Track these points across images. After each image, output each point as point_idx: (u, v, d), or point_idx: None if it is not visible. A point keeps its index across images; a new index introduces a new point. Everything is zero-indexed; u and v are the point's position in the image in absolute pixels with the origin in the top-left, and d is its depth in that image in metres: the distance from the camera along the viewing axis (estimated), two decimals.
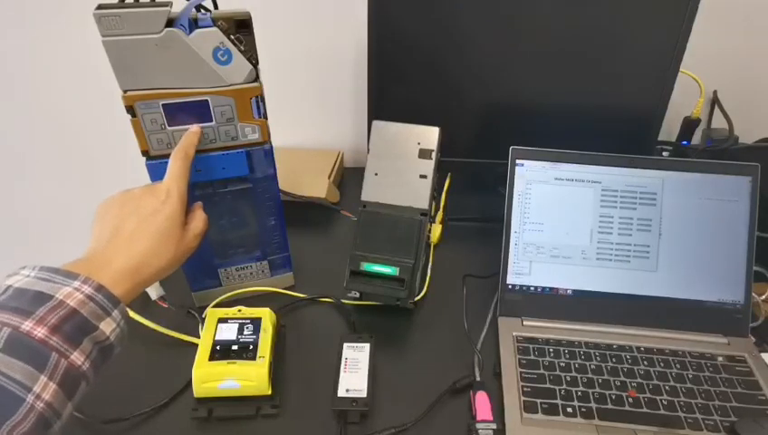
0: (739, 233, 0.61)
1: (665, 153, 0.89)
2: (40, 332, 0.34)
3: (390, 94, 0.76)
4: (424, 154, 0.64)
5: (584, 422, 0.52)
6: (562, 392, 0.54)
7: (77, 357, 0.35)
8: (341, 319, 0.65)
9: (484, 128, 0.78)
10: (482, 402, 0.53)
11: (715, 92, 0.90)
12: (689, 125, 0.89)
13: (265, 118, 0.55)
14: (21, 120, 0.97)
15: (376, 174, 0.65)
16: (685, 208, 0.62)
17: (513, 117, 0.76)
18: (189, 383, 0.53)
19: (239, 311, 0.58)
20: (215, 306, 0.63)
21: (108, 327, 0.38)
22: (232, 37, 0.49)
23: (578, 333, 0.61)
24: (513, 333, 0.61)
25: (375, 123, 0.66)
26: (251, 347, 0.54)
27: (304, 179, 0.83)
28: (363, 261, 0.61)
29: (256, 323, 0.57)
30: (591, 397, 0.54)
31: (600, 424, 0.51)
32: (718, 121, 0.90)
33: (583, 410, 0.53)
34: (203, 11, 0.50)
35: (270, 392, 0.54)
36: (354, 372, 0.55)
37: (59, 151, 1.00)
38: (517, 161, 0.64)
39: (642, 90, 0.73)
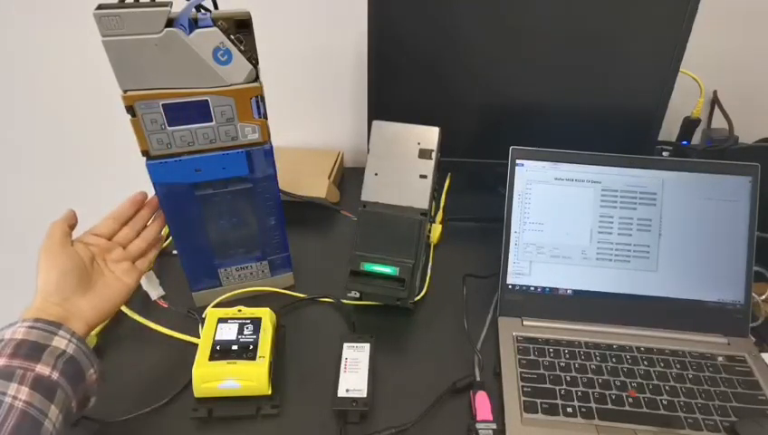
0: (739, 233, 0.61)
1: (665, 153, 0.89)
2: (0, 362, 0.41)
3: (390, 94, 0.76)
4: (424, 154, 0.64)
5: (584, 422, 0.52)
6: (562, 392, 0.54)
7: (42, 368, 0.42)
8: (341, 319, 0.65)
9: (484, 128, 0.78)
10: (482, 402, 0.53)
11: (715, 92, 0.90)
12: (689, 125, 0.89)
13: (265, 118, 0.55)
14: (21, 119, 0.97)
15: (376, 174, 0.65)
16: (685, 208, 0.62)
17: (513, 117, 0.76)
18: (189, 383, 0.53)
19: (239, 311, 0.58)
20: (215, 306, 0.63)
21: (61, 342, 0.44)
22: (232, 37, 0.49)
23: (578, 333, 0.61)
24: (513, 333, 0.61)
25: (375, 123, 0.66)
26: (251, 347, 0.54)
27: (304, 179, 0.83)
28: (363, 261, 0.61)
29: (256, 323, 0.57)
30: (591, 397, 0.54)
31: (600, 424, 0.51)
32: (718, 121, 0.90)
33: (583, 410, 0.53)
34: (203, 11, 0.50)
35: (270, 392, 0.54)
36: (354, 372, 0.55)
37: (59, 151, 1.00)
38: (517, 161, 0.64)
39: (642, 90, 0.73)
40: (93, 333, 0.60)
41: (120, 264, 0.54)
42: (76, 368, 0.44)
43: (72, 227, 0.53)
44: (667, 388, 0.55)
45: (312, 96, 0.94)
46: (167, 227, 0.60)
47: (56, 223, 0.52)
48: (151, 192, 0.57)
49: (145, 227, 0.59)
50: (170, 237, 0.73)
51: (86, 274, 0.50)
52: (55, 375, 0.42)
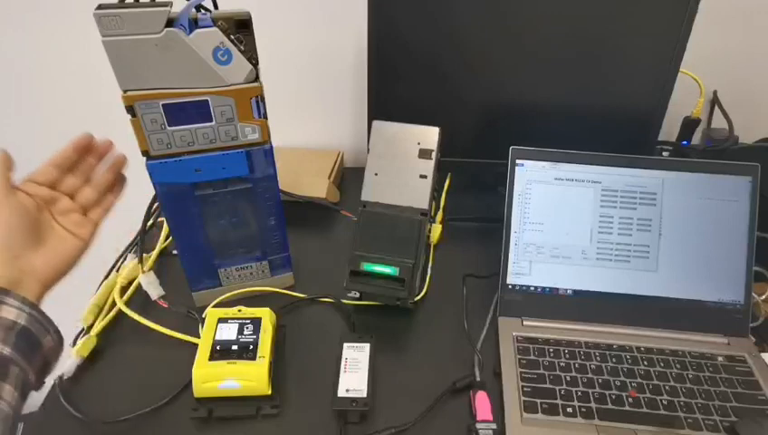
0: (739, 233, 0.61)
1: (665, 153, 0.89)
2: None
3: (390, 94, 0.76)
4: (424, 154, 0.64)
5: (584, 422, 0.52)
6: (562, 392, 0.54)
7: None
8: (341, 319, 0.65)
9: (484, 128, 0.78)
10: (482, 402, 0.53)
11: (715, 92, 0.90)
12: (689, 125, 0.89)
13: (265, 118, 0.54)
14: (20, 119, 0.97)
15: (376, 174, 0.65)
16: (685, 208, 0.62)
17: (513, 117, 0.76)
18: (189, 383, 0.53)
19: (239, 311, 0.58)
20: (215, 306, 0.63)
21: (10, 312, 0.40)
22: (232, 37, 0.49)
23: (578, 333, 0.61)
24: (513, 333, 0.61)
25: (375, 123, 0.66)
26: (251, 347, 0.54)
27: (304, 179, 0.83)
28: (363, 261, 0.61)
29: (256, 323, 0.57)
30: (591, 397, 0.54)
31: (600, 424, 0.51)
32: (718, 121, 0.90)
33: (583, 410, 0.53)
34: (203, 11, 0.50)
35: (270, 392, 0.54)
36: (354, 372, 0.55)
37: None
38: (517, 161, 0.64)
39: (642, 90, 0.73)
40: (93, 332, 0.60)
41: (68, 215, 0.49)
42: (30, 339, 0.41)
43: (11, 169, 0.47)
44: (667, 388, 0.55)
45: (312, 96, 0.94)
46: (166, 225, 0.60)
47: None
48: (151, 192, 0.57)
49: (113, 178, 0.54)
50: (170, 237, 0.73)
51: (36, 226, 0.45)
52: (7, 350, 0.39)
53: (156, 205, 0.66)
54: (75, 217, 0.50)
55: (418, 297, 0.66)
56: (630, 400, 0.54)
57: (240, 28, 0.50)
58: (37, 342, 0.42)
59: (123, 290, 0.66)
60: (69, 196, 0.50)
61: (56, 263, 0.46)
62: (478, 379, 0.56)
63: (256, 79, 0.52)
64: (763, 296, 0.64)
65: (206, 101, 0.51)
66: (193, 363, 0.53)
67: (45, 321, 0.43)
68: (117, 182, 0.54)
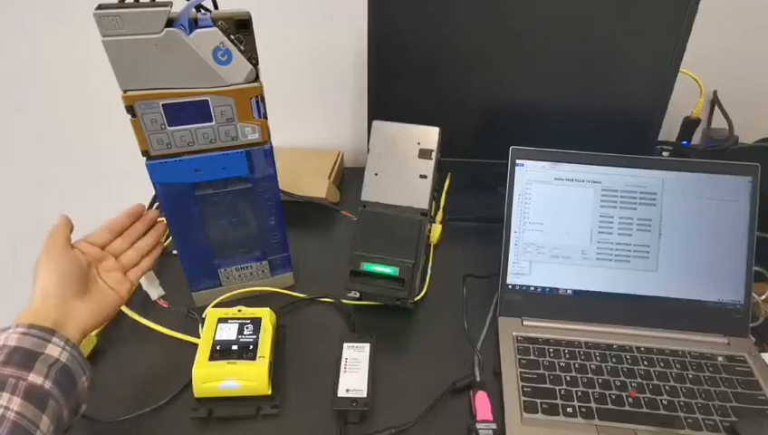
0: (739, 233, 0.61)
1: (665, 153, 0.89)
2: None
3: (390, 94, 0.76)
4: (424, 154, 0.64)
5: (584, 422, 0.52)
6: (562, 392, 0.54)
7: (35, 378, 0.41)
8: (341, 319, 0.65)
9: (484, 128, 0.78)
10: (482, 402, 0.53)
11: (715, 92, 0.90)
12: (689, 125, 0.89)
13: (265, 118, 0.55)
14: (20, 120, 0.97)
15: (376, 174, 0.65)
16: (685, 208, 0.62)
17: (513, 117, 0.76)
18: (189, 383, 0.53)
19: (239, 311, 0.58)
20: (215, 306, 0.63)
21: (54, 350, 0.43)
22: (232, 37, 0.49)
23: (578, 333, 0.61)
24: (513, 333, 0.61)
25: (375, 123, 0.66)
26: (251, 347, 0.54)
27: (304, 179, 0.83)
28: (363, 261, 0.61)
29: (256, 323, 0.57)
30: (591, 397, 0.54)
31: (600, 424, 0.51)
32: (718, 121, 0.90)
33: (583, 410, 0.53)
34: (203, 11, 0.50)
35: (270, 392, 0.54)
36: (354, 372, 0.55)
37: (58, 152, 1.00)
38: (517, 161, 0.64)
39: (642, 90, 0.73)
40: (93, 333, 0.60)
41: (111, 273, 0.54)
42: (69, 377, 0.44)
43: (71, 231, 0.53)
44: (667, 388, 0.55)
45: (312, 96, 0.94)
46: (166, 228, 0.60)
47: (58, 228, 0.52)
48: (151, 192, 0.57)
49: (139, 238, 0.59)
50: (170, 237, 0.73)
51: (85, 278, 0.50)
52: (48, 385, 0.41)
53: (156, 205, 0.67)
54: (117, 275, 0.55)
55: (418, 297, 0.66)
56: (630, 400, 0.54)
57: (240, 28, 0.50)
58: (74, 380, 0.44)
59: None
60: (114, 256, 0.56)
61: (96, 312, 0.50)
62: (478, 379, 0.56)
63: (256, 79, 0.52)
64: (763, 296, 0.64)
65: (206, 101, 0.51)
66: (193, 363, 0.53)
67: (83, 362, 0.46)
68: (155, 247, 0.60)
